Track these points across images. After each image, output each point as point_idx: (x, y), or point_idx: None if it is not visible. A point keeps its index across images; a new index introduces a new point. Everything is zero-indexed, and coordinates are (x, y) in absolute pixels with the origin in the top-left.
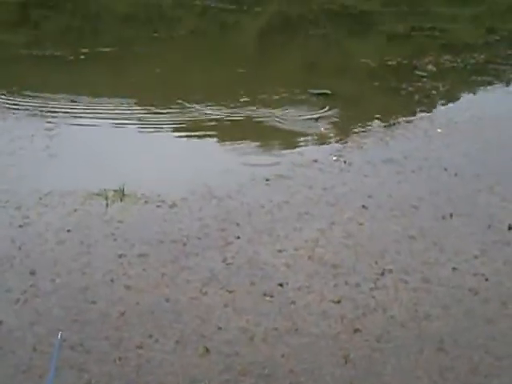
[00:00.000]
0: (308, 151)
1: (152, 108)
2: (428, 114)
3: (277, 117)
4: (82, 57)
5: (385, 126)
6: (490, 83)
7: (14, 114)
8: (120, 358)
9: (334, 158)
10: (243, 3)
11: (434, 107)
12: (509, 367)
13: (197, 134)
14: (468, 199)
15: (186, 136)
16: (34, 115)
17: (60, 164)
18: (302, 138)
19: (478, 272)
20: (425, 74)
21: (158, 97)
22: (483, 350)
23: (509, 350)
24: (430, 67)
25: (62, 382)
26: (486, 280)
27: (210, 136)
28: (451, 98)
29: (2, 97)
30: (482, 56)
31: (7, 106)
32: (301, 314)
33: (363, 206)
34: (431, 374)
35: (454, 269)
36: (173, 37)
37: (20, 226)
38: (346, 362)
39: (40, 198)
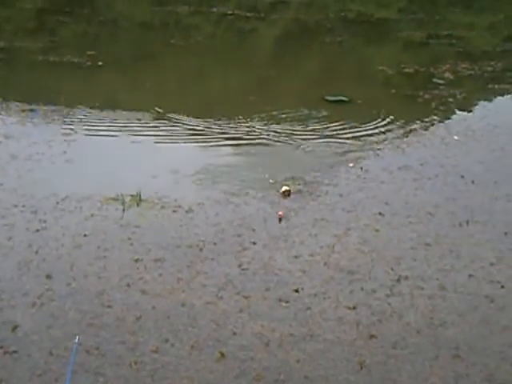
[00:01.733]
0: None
1: (168, 116)
2: (445, 122)
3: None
4: (100, 63)
5: (401, 134)
6: (507, 91)
7: (31, 119)
8: (136, 362)
9: (351, 165)
10: (260, 10)
11: (451, 115)
12: None
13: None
14: (485, 206)
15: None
16: (52, 121)
17: (77, 169)
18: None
19: (494, 279)
20: (442, 81)
21: (174, 104)
22: (499, 357)
23: None
24: (447, 75)
25: None
26: (502, 287)
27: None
28: (468, 105)
29: (20, 102)
30: (499, 64)
31: (25, 111)
32: (316, 320)
33: (379, 213)
34: (446, 381)
35: (470, 276)
36: (190, 44)
37: (37, 231)
38: (361, 368)
39: (57, 203)
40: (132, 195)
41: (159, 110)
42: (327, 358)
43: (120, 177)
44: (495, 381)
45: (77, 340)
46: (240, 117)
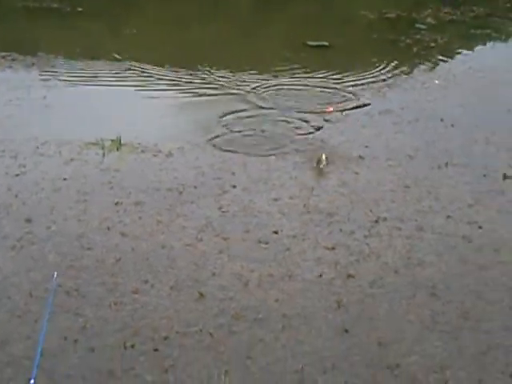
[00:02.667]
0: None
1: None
2: (426, 66)
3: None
4: (80, 9)
5: (382, 78)
6: (488, 36)
7: (10, 65)
8: (115, 303)
9: (331, 109)
10: None
11: (432, 59)
12: (500, 312)
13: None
14: (464, 149)
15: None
16: (31, 67)
17: (56, 114)
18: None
19: (471, 220)
20: (424, 26)
21: (152, 54)
22: (475, 296)
23: (500, 296)
24: (429, 20)
25: (58, 326)
26: (480, 228)
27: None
28: (449, 50)
29: None
30: (482, 9)
31: (3, 57)
32: (295, 261)
33: (359, 156)
34: (423, 319)
35: (448, 217)
36: None
37: (16, 175)
38: (338, 307)
39: (37, 147)
40: (112, 140)
41: (135, 62)
42: (305, 297)
43: (100, 122)
44: (471, 318)
45: (55, 276)
46: (221, 64)
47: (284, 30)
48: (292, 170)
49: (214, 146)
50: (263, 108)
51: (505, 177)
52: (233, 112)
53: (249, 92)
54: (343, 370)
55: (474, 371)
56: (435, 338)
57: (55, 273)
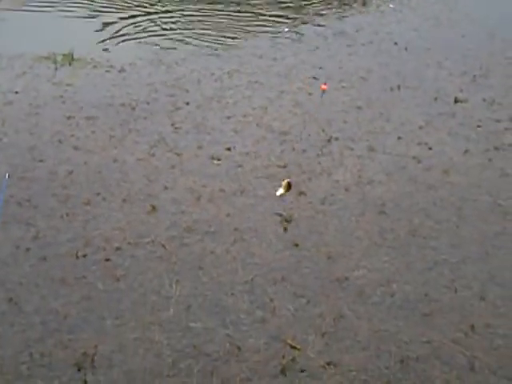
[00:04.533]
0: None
1: None
2: None
3: None
4: None
5: (337, 1)
6: None
7: None
8: (67, 214)
9: (286, 30)
10: None
11: None
12: (447, 230)
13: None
14: (416, 72)
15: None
16: None
17: (8, 27)
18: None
19: (422, 141)
20: None
21: None
22: (423, 214)
23: (448, 215)
24: None
25: (10, 236)
26: (430, 149)
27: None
28: None
29: None
30: None
31: None
32: (247, 177)
33: (313, 77)
34: (371, 235)
35: (399, 138)
36: None
37: None
38: (289, 222)
39: None
40: (64, 54)
41: None
42: (257, 212)
43: (52, 36)
44: (419, 235)
45: (7, 177)
46: None
47: None
48: (245, 89)
49: None
50: None
51: (456, 100)
52: None
53: None
54: (292, 282)
55: (420, 285)
56: (383, 253)
57: (7, 174)
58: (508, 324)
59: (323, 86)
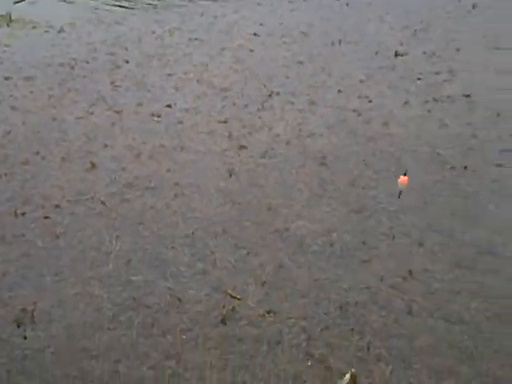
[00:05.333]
0: None
1: None
2: None
3: None
4: None
5: None
6: None
7: None
8: (5, 174)
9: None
10: None
11: None
12: (385, 179)
13: None
14: (357, 27)
15: None
16: None
17: None
18: None
19: (362, 94)
20: None
21: None
22: (363, 165)
23: (386, 165)
24: None
25: None
26: (370, 102)
27: None
28: None
29: None
30: None
31: None
32: (188, 133)
33: (254, 34)
34: (312, 187)
35: (339, 91)
36: None
37: None
38: (230, 176)
39: None
40: (2, 15)
41: None
42: (197, 167)
43: None
44: (358, 186)
45: None
46: None
47: None
48: (186, 46)
49: None
50: None
51: (396, 54)
52: None
53: None
54: (233, 234)
55: (359, 234)
56: (323, 203)
57: None
58: (445, 269)
59: (402, 179)
